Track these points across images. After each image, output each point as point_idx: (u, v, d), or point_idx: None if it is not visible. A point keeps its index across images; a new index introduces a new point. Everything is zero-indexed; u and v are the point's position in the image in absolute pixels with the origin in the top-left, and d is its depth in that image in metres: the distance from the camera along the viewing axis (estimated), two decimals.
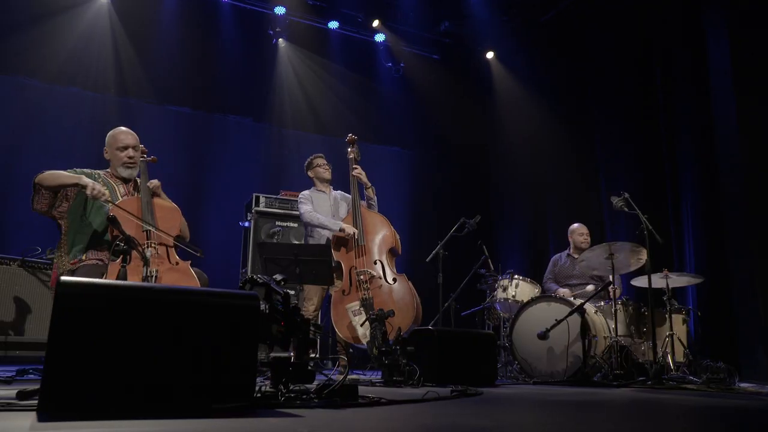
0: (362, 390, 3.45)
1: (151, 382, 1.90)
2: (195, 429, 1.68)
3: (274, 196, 6.06)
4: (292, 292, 5.53)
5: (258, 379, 2.50)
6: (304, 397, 2.35)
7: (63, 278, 1.88)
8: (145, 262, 3.00)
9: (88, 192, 3.23)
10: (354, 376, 4.74)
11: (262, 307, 2.53)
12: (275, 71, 8.41)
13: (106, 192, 3.31)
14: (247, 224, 6.01)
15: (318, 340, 5.79)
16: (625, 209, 4.87)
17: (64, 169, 3.72)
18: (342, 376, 4.55)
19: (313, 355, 3.12)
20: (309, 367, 2.63)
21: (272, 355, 2.53)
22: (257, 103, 8.26)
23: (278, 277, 2.70)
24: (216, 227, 7.13)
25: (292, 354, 2.62)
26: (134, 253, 3.34)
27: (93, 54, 7.24)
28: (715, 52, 6.29)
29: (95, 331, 1.85)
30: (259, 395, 2.25)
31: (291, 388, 2.46)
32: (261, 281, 2.61)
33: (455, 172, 9.07)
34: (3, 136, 6.56)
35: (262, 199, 5.99)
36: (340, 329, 4.75)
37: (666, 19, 6.89)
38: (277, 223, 5.94)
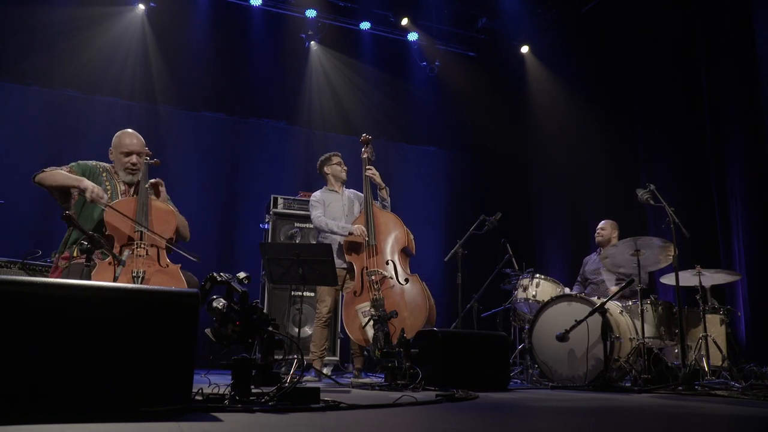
0: (356, 394, 3.34)
1: (75, 383, 1.84)
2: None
3: (293, 197, 6.00)
4: (312, 294, 5.50)
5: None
6: (254, 399, 2.26)
7: None
8: (119, 262, 2.98)
9: (87, 195, 3.21)
10: (366, 380, 4.63)
11: (220, 305, 2.46)
12: (309, 74, 8.41)
13: (105, 195, 3.28)
14: (266, 226, 5.98)
15: (339, 342, 5.71)
16: (651, 202, 4.54)
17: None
18: (346, 380, 4.37)
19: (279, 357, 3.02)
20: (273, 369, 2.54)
21: (234, 357, 2.45)
22: (291, 107, 8.28)
23: (242, 274, 2.61)
24: (247, 231, 7.19)
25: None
26: (127, 253, 3.35)
27: (129, 63, 7.42)
28: (765, 41, 5.86)
29: (11, 330, 1.80)
30: (200, 398, 2.17)
31: (252, 390, 2.38)
32: (220, 279, 2.54)
33: (493, 171, 8.81)
34: (44, 145, 6.79)
35: (280, 201, 5.94)
36: (352, 331, 4.65)
37: (712, 7, 6.48)
38: (296, 224, 5.88)
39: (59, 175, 3.41)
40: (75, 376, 1.84)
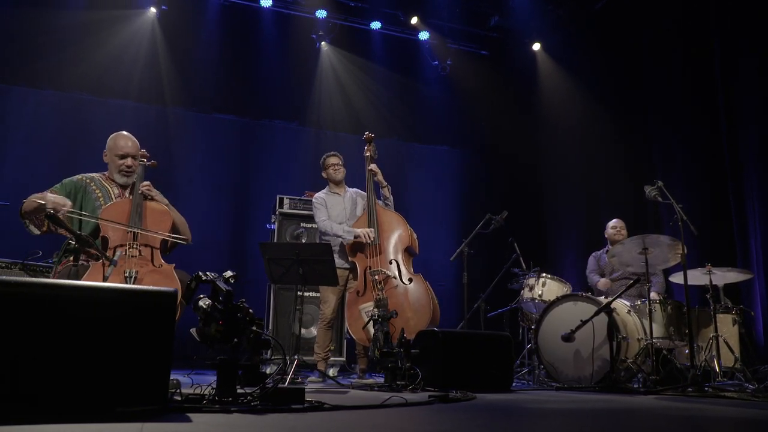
0: (353, 394, 3.30)
1: (48, 383, 1.82)
2: None
3: (298, 197, 5.97)
4: (318, 295, 5.47)
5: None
6: (235, 400, 2.23)
7: None
8: (110, 262, 2.97)
9: (49, 208, 3.13)
10: (369, 380, 4.59)
11: (205, 305, 2.44)
12: (320, 75, 8.40)
13: (67, 202, 3.24)
14: (272, 227, 5.96)
15: (345, 342, 5.67)
16: (659, 199, 4.43)
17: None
18: (330, 380, 4.32)
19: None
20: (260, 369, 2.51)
21: (219, 357, 2.42)
22: (302, 108, 8.27)
23: (228, 273, 2.59)
24: (256, 231, 7.18)
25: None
26: (120, 253, 3.35)
27: (140, 66, 7.46)
28: None
29: None
30: (179, 398, 2.14)
31: (238, 390, 2.35)
32: (206, 278, 2.52)
33: (505, 170, 8.70)
34: (56, 148, 6.86)
35: (286, 201, 5.91)
36: (355, 331, 4.61)
37: (727, 3, 6.32)
38: (302, 224, 5.85)
39: (31, 199, 3.38)
40: (47, 376, 1.82)
